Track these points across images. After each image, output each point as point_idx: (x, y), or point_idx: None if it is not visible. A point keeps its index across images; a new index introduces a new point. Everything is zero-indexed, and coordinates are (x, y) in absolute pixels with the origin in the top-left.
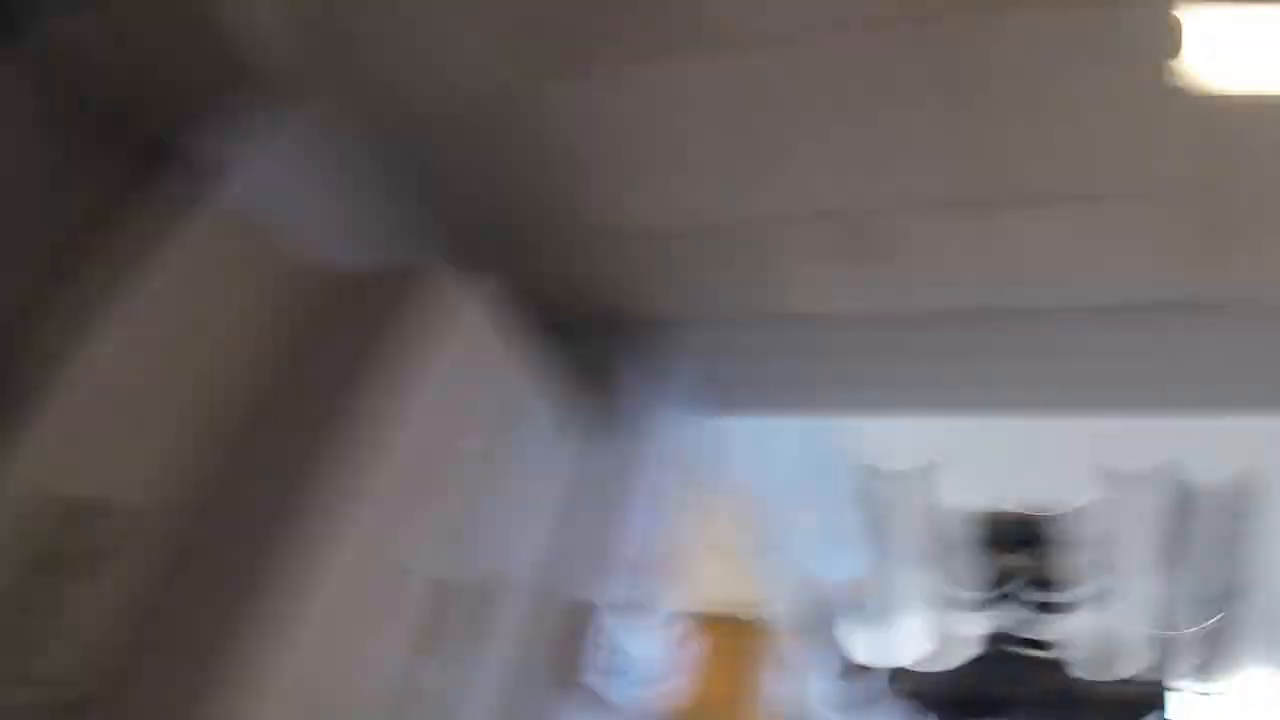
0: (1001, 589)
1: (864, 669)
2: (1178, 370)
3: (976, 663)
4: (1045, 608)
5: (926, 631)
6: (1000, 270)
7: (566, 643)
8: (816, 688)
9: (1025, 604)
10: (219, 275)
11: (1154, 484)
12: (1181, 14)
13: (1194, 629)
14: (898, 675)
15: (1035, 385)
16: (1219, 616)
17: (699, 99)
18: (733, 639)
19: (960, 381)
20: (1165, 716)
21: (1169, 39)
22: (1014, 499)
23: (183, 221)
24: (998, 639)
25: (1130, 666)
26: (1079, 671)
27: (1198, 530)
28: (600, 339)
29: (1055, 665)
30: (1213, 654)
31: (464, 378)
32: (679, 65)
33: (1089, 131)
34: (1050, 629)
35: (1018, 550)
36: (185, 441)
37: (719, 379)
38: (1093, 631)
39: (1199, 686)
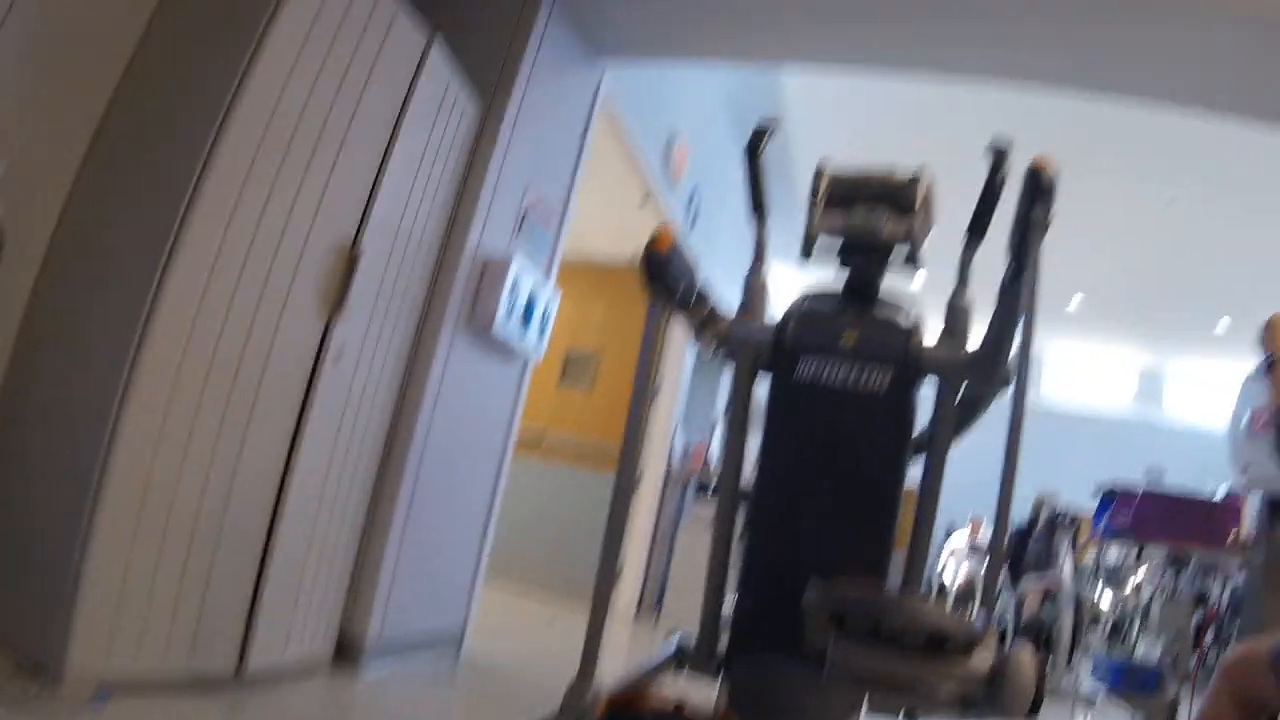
0: (854, 241)
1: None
2: (1077, 40)
3: (806, 313)
4: (898, 262)
5: None
6: None
7: (469, 292)
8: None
9: (876, 258)
10: None
11: None
12: None
13: None
14: None
15: (940, 42)
16: None
17: None
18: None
19: (857, 28)
20: None
21: None
22: None
23: None
24: (837, 293)
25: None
26: (925, 333)
27: None
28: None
29: (897, 323)
30: None
31: (336, 36)
32: None
33: None
34: (899, 286)
35: (877, 205)
36: (58, 128)
37: (630, 21)
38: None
39: None
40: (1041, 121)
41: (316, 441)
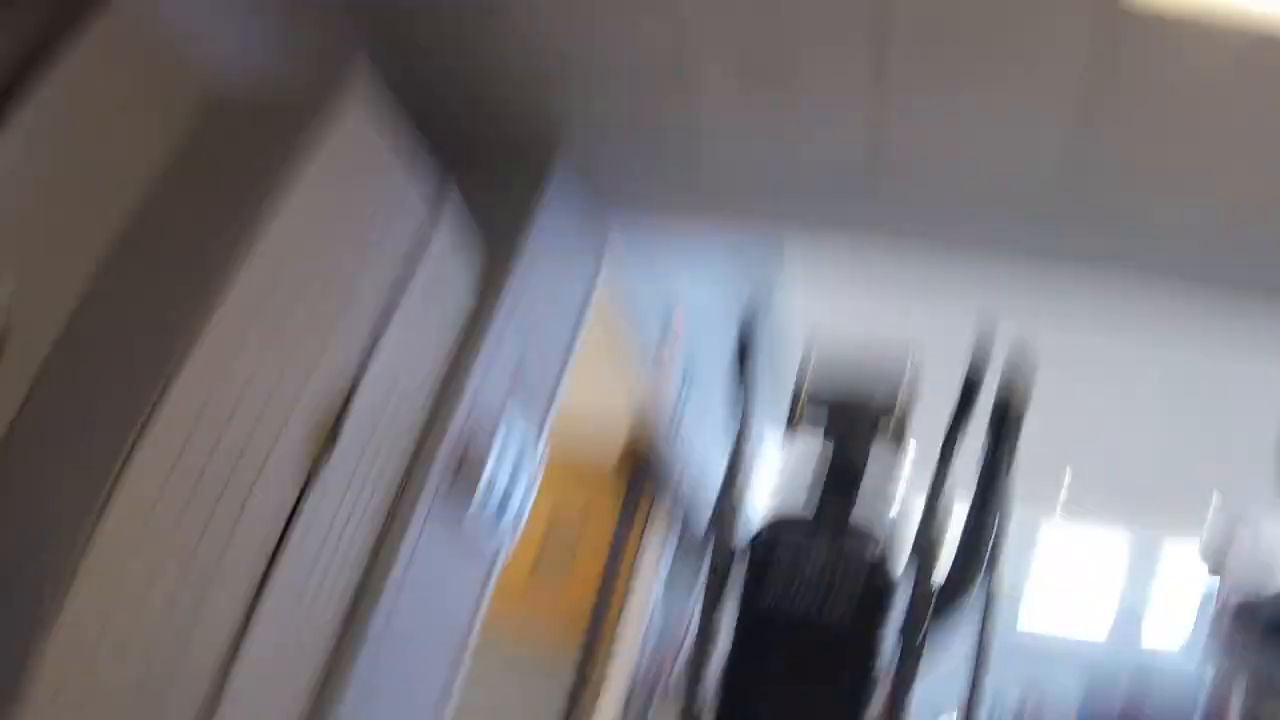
0: (840, 412)
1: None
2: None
3: (779, 531)
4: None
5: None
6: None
7: (452, 462)
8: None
9: (862, 428)
10: (113, 88)
11: None
12: None
13: None
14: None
15: (936, 218)
16: None
17: None
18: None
19: (856, 203)
20: None
21: None
22: None
23: (77, 30)
24: (810, 513)
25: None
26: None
27: None
28: (510, 155)
29: (868, 543)
30: None
31: (350, 194)
32: None
33: (1016, 30)
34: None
35: (862, 381)
36: (64, 256)
37: (633, 191)
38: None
39: None
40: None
41: (274, 617)
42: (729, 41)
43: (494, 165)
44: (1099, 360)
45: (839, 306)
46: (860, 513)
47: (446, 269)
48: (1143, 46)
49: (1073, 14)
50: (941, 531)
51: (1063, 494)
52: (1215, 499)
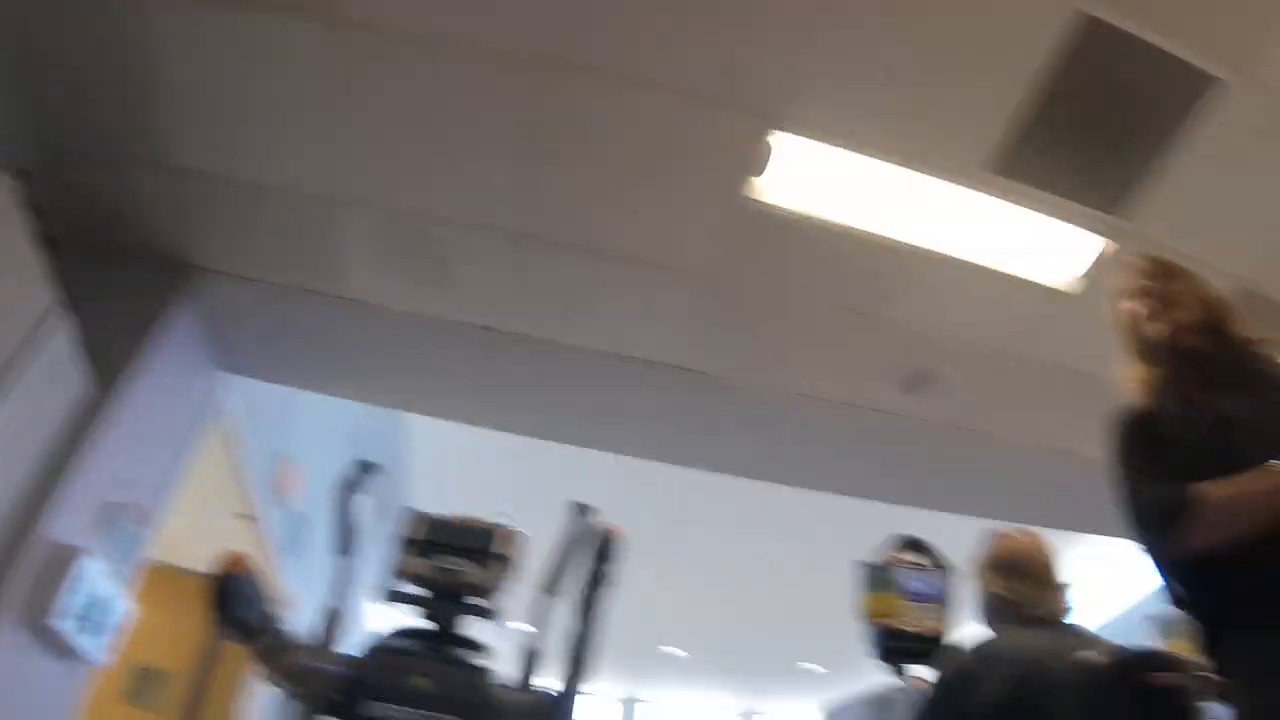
0: (436, 589)
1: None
2: (682, 425)
3: (382, 653)
4: (476, 612)
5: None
6: (545, 304)
7: (39, 584)
8: None
9: (456, 606)
10: None
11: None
12: (774, 139)
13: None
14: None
15: (552, 413)
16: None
17: (296, 60)
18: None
19: (480, 393)
20: None
21: (756, 155)
22: (472, 510)
23: None
24: (415, 634)
25: (546, 676)
26: (499, 678)
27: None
28: (142, 278)
29: (472, 668)
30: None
31: None
32: (280, 23)
33: (658, 207)
34: (475, 633)
35: (460, 555)
36: None
37: (257, 342)
38: (518, 642)
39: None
40: (654, 484)
41: None
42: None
43: (123, 293)
44: (697, 549)
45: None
46: (469, 634)
47: (48, 382)
48: (760, 226)
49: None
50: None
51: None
52: (813, 667)
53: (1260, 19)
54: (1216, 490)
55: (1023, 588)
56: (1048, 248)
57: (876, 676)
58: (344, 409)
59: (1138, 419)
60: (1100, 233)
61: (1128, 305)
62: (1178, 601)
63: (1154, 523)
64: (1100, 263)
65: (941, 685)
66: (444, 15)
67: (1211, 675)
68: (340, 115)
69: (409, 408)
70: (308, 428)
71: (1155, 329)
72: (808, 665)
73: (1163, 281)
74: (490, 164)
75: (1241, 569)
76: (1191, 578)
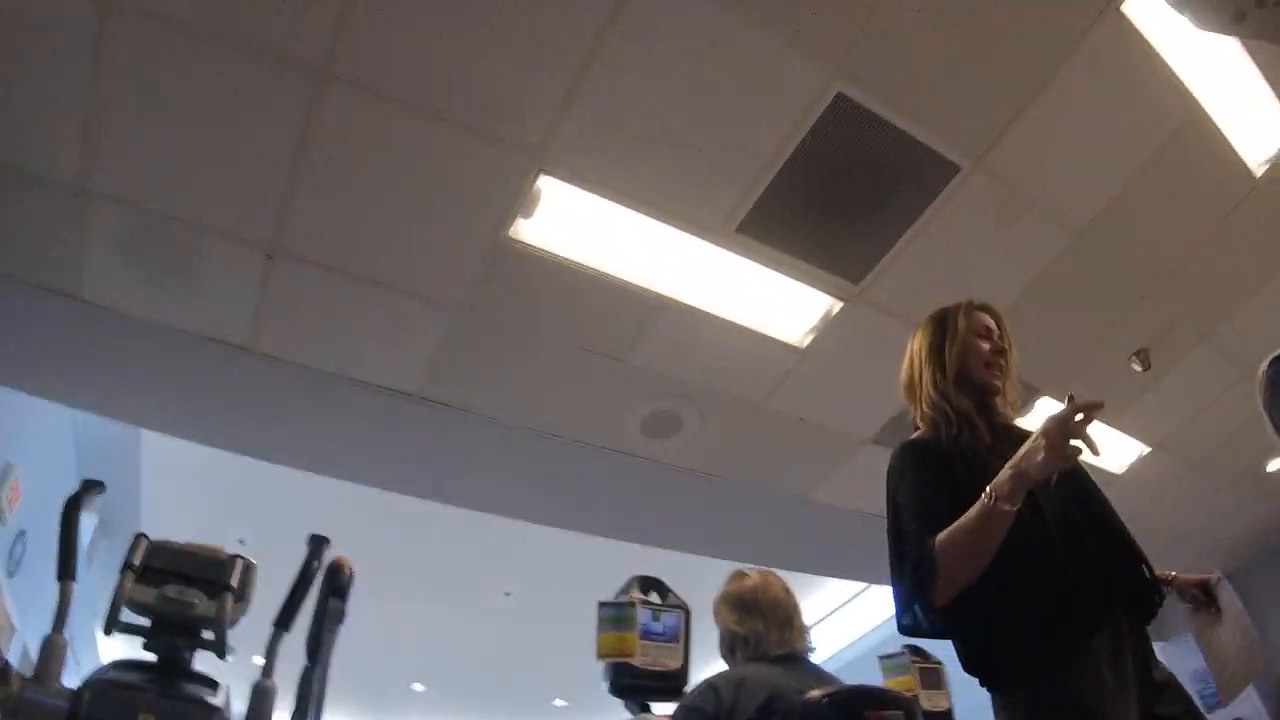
0: (162, 619)
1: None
2: (425, 457)
3: (105, 686)
4: (206, 645)
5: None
6: (294, 324)
7: None
8: None
9: (184, 638)
10: None
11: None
12: (541, 183)
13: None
14: None
15: (293, 438)
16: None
17: (59, 37)
18: None
19: (220, 413)
20: None
21: (523, 196)
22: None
23: None
24: (140, 667)
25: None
26: (230, 716)
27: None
28: None
29: (201, 705)
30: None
31: None
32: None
33: (420, 236)
34: (205, 667)
35: (190, 584)
36: None
37: None
38: (249, 678)
39: None
40: (392, 515)
41: None
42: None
43: None
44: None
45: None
46: (197, 668)
47: None
48: (518, 267)
49: (465, 238)
50: (272, 705)
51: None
52: (560, 703)
53: (998, 115)
54: (941, 541)
55: (759, 625)
56: (785, 306)
57: (620, 713)
58: (72, 418)
59: (922, 449)
60: (834, 295)
61: (976, 342)
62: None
63: (907, 583)
64: (828, 322)
65: (684, 717)
66: (224, 6)
67: (931, 710)
68: (103, 102)
69: (144, 423)
70: (30, 435)
71: (990, 376)
72: (556, 702)
73: (1002, 340)
74: (254, 172)
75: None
76: (954, 618)
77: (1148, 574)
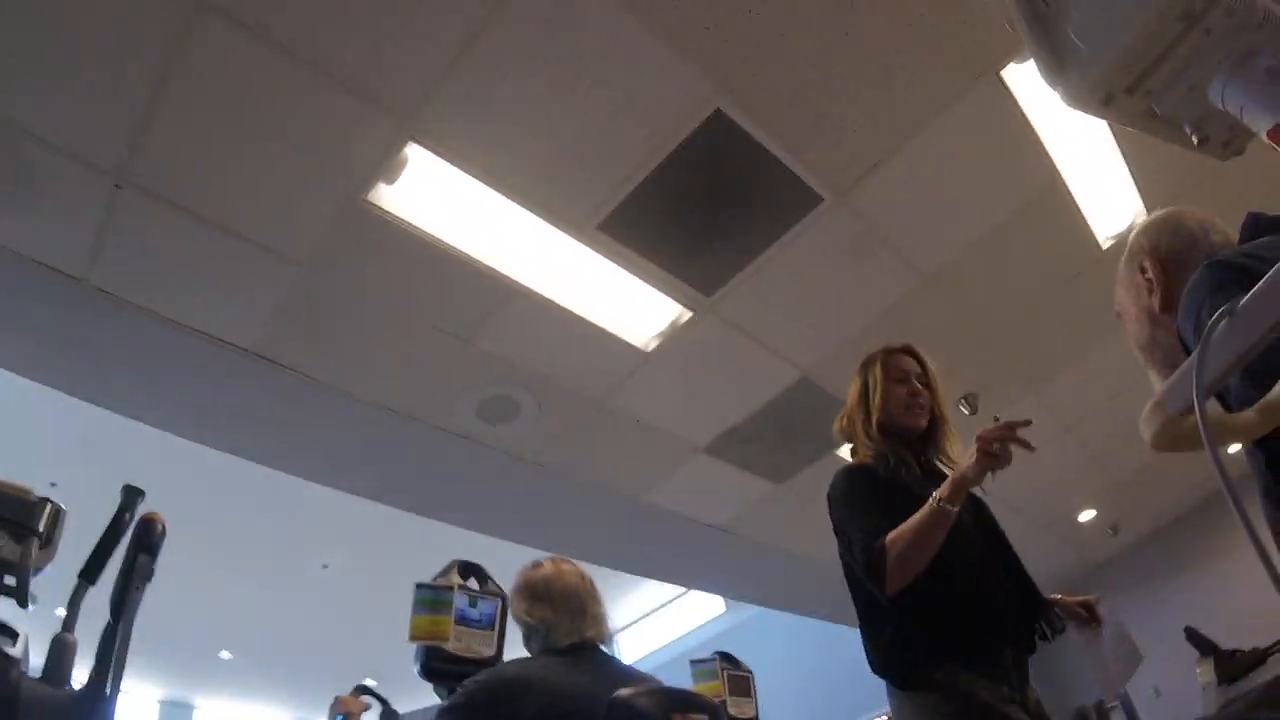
0: None
1: None
2: (254, 416)
3: None
4: (5, 591)
5: None
6: (135, 260)
7: None
8: None
9: None
10: None
11: None
12: (410, 150)
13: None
14: None
15: (117, 381)
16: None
17: None
18: None
19: (42, 344)
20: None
21: (389, 161)
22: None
23: None
24: None
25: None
26: (26, 669)
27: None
28: None
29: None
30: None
31: None
32: None
33: (278, 187)
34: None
35: None
36: None
37: None
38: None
39: None
40: (212, 475)
41: None
42: None
43: None
44: (262, 549)
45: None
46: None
47: None
48: (372, 234)
49: (323, 196)
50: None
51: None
52: (369, 681)
53: (868, 155)
54: (891, 538)
55: (549, 614)
56: (636, 308)
57: (429, 698)
58: None
59: (864, 472)
60: (685, 304)
61: (894, 388)
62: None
63: (862, 574)
64: (676, 330)
65: (467, 701)
66: None
67: (737, 717)
68: None
69: None
70: None
71: (910, 419)
72: (366, 681)
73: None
74: (111, 94)
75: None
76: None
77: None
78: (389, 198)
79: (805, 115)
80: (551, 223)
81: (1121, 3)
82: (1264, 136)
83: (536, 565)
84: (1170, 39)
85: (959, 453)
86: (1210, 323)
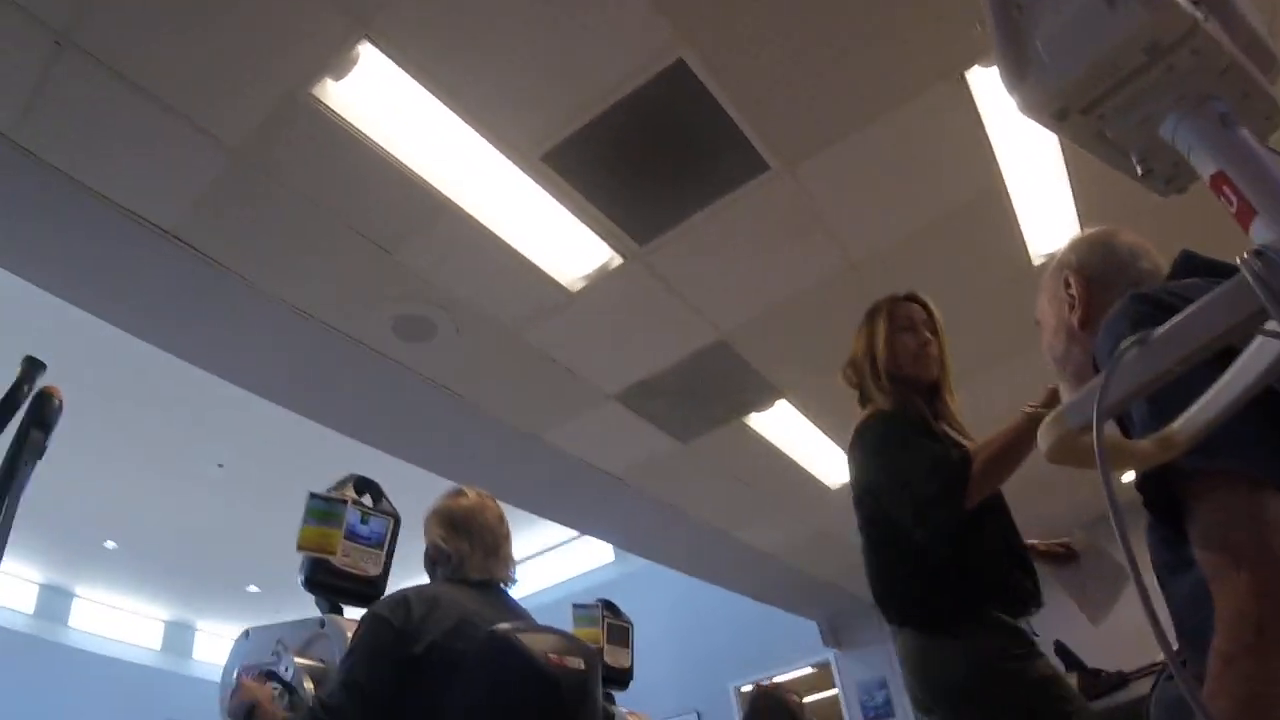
0: None
1: None
2: (167, 302)
3: None
4: None
5: None
6: (66, 125)
7: None
8: None
9: None
10: None
11: None
12: (362, 49)
13: None
14: None
15: (34, 250)
16: None
17: None
18: None
19: None
20: None
21: (340, 57)
22: None
23: None
24: None
25: None
26: None
27: None
28: None
29: None
30: None
31: None
32: None
33: (222, 65)
34: None
35: None
36: None
37: None
38: None
39: None
40: (114, 358)
41: None
42: None
43: None
44: (153, 438)
45: None
46: None
47: None
48: (310, 129)
49: (268, 82)
50: None
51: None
52: (253, 588)
53: (821, 132)
54: (978, 449)
55: (465, 546)
56: (568, 246)
57: (310, 609)
58: None
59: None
60: (616, 249)
61: (901, 338)
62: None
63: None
64: (604, 274)
65: (369, 625)
66: None
67: (613, 666)
68: None
69: None
70: None
71: (920, 369)
72: (249, 588)
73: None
74: None
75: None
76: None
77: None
78: (334, 95)
79: (766, 82)
80: (495, 145)
81: (1091, 24)
82: (1206, 180)
83: (460, 494)
84: (1133, 68)
85: (957, 407)
86: (1123, 347)
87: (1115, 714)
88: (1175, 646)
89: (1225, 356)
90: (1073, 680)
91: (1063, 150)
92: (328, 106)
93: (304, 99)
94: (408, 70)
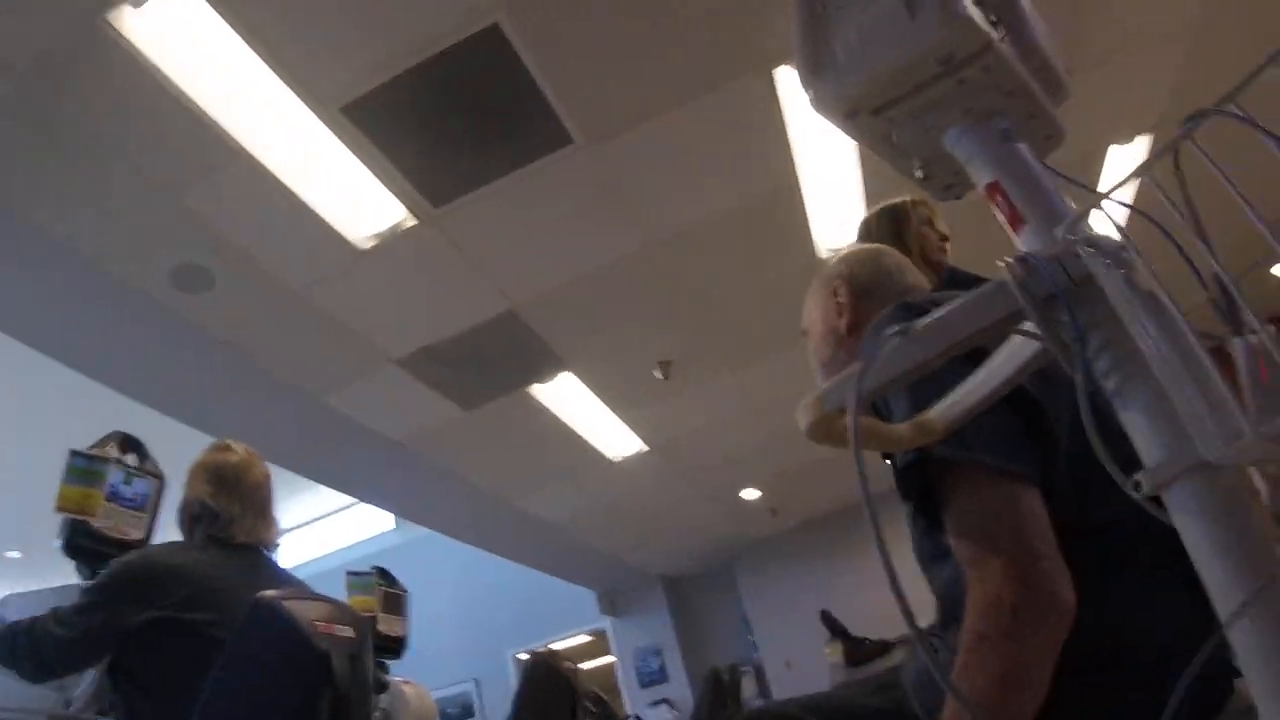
0: None
1: None
2: None
3: None
4: None
5: None
6: None
7: None
8: None
9: None
10: None
11: None
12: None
13: None
14: None
15: None
16: None
17: None
18: None
19: None
20: None
21: None
22: None
23: None
24: None
25: None
26: None
27: None
28: None
29: None
30: None
31: None
32: None
33: None
34: None
35: None
36: None
37: None
38: None
39: None
40: None
41: None
42: None
43: None
44: None
45: None
46: None
47: None
48: (102, 57)
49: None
50: None
51: None
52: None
53: (629, 112)
54: None
55: (235, 508)
56: (360, 203)
57: (73, 575)
58: None
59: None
60: (410, 210)
61: (928, 231)
62: None
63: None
64: (396, 235)
65: (111, 582)
66: None
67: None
68: None
69: None
70: None
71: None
72: (9, 553)
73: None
74: None
75: None
76: None
77: None
78: (130, 22)
79: (580, 56)
80: (295, 91)
81: (891, 32)
82: (981, 189)
83: (227, 448)
84: (925, 78)
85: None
86: (886, 335)
87: (874, 681)
88: (944, 629)
89: (978, 357)
90: (838, 648)
91: (859, 156)
92: (122, 34)
93: (98, 24)
94: (211, 3)
